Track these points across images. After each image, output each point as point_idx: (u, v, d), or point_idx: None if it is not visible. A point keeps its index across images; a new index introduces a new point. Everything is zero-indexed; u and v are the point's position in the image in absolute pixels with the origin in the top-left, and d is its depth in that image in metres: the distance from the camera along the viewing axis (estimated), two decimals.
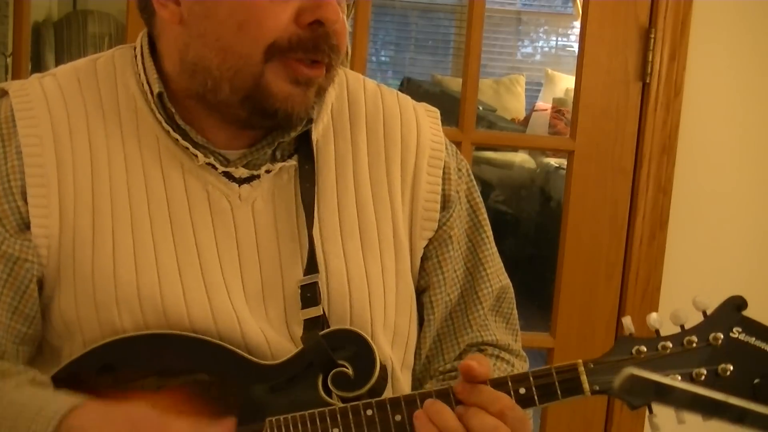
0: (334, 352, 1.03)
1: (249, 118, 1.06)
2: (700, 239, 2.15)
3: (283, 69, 1.03)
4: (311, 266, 1.08)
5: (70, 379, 1.06)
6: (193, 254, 1.07)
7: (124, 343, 1.05)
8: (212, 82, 1.04)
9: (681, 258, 2.15)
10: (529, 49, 7.08)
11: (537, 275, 3.20)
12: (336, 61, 1.06)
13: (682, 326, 0.99)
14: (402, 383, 1.15)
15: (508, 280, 1.25)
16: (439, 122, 1.21)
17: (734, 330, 0.98)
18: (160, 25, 1.09)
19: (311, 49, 1.03)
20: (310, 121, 1.11)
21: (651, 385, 0.96)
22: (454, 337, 1.20)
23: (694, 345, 0.98)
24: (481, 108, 5.35)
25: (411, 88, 5.53)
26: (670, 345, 0.98)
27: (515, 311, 1.25)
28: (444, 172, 1.18)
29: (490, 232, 1.23)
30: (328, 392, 1.03)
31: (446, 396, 0.99)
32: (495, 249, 1.23)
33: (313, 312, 1.06)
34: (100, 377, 1.05)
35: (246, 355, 1.05)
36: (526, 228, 4.77)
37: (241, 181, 1.10)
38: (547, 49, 7.04)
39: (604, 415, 2.16)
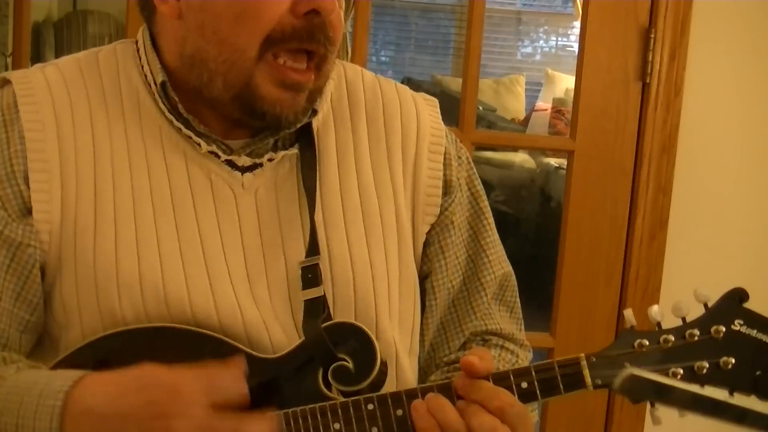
0: (335, 346, 1.03)
1: (241, 117, 1.08)
2: (700, 239, 2.15)
3: (271, 72, 1.04)
4: (313, 248, 1.08)
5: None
6: (195, 242, 1.08)
7: (122, 336, 1.05)
8: (208, 75, 1.05)
9: (681, 258, 2.15)
10: (529, 49, 7.09)
11: (537, 275, 3.20)
12: (330, 53, 1.07)
13: (683, 319, 0.99)
14: (407, 370, 1.15)
15: (510, 268, 1.25)
16: (438, 111, 1.22)
17: (736, 322, 0.98)
18: (160, 21, 1.11)
19: (306, 38, 1.03)
20: (315, 112, 1.12)
21: (651, 385, 0.96)
22: (458, 324, 1.20)
23: (696, 338, 0.98)
24: (481, 108, 5.35)
25: (411, 88, 5.47)
26: (672, 338, 0.98)
27: (518, 300, 1.26)
28: (445, 159, 1.18)
29: (491, 219, 1.24)
30: (328, 386, 1.03)
31: (448, 390, 0.99)
32: (497, 236, 1.24)
33: (314, 293, 1.06)
34: (98, 371, 1.05)
35: (246, 348, 1.05)
36: (526, 228, 4.77)
37: (243, 170, 1.10)
38: (547, 49, 7.05)
39: (604, 413, 2.16)
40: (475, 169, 1.25)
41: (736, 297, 0.99)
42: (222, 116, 1.10)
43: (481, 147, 4.50)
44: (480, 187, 1.24)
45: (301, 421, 0.99)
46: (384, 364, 1.04)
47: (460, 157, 1.22)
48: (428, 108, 1.21)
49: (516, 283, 1.25)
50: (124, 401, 0.92)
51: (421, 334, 1.19)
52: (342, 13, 1.08)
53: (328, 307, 1.07)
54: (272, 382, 1.03)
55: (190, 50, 1.06)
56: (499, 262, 1.23)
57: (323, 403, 1.00)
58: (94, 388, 0.95)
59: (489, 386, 0.97)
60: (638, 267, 2.14)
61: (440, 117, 1.21)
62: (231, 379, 0.95)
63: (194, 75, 1.07)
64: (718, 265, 2.16)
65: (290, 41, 1.03)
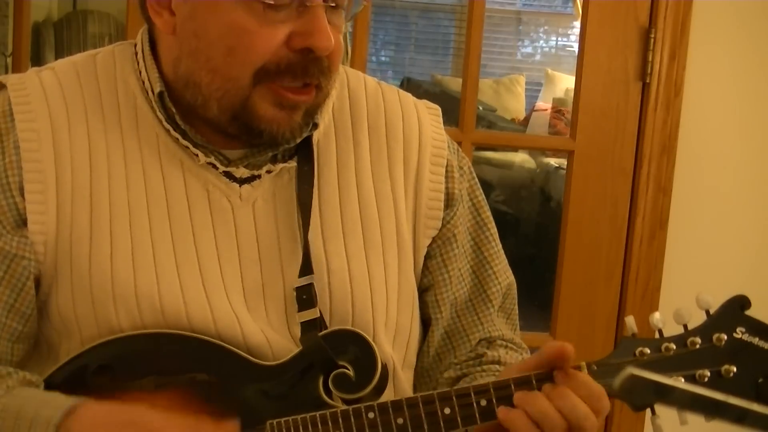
0: (335, 354, 1.03)
1: (239, 134, 1.07)
2: (700, 239, 2.15)
3: (269, 93, 1.03)
4: (306, 268, 1.07)
5: (68, 378, 1.06)
6: (191, 253, 1.07)
7: (123, 342, 1.05)
8: (202, 98, 1.05)
9: (681, 258, 2.15)
10: (529, 49, 7.08)
11: (537, 275, 3.20)
12: (327, 82, 1.06)
13: (685, 326, 0.98)
14: (403, 383, 1.15)
15: (513, 277, 1.25)
16: (441, 119, 1.21)
17: (737, 330, 0.97)
18: (159, 35, 1.10)
19: (300, 73, 1.03)
20: (315, 126, 1.11)
21: (651, 385, 0.96)
22: (464, 335, 1.20)
23: (697, 346, 0.97)
24: (481, 108, 5.35)
25: (411, 88, 5.48)
26: (673, 346, 0.98)
27: (516, 307, 1.26)
28: (447, 170, 1.18)
29: (494, 230, 1.23)
30: (329, 393, 1.03)
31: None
32: (500, 246, 1.23)
33: (309, 314, 1.06)
34: (98, 377, 1.05)
35: (246, 355, 1.05)
36: (526, 228, 4.76)
37: (241, 181, 1.10)
38: (547, 49, 7.04)
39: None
40: (476, 179, 1.24)
41: (738, 304, 0.98)
42: (219, 129, 1.09)
43: (481, 147, 4.50)
44: (482, 198, 1.23)
45: (301, 429, 0.99)
46: (385, 369, 1.04)
47: (461, 168, 1.21)
48: (430, 117, 1.20)
49: (516, 292, 1.25)
50: None
51: (426, 345, 1.19)
52: (341, 36, 1.06)
53: (326, 327, 1.07)
54: (272, 390, 1.03)
55: (184, 71, 1.05)
56: (504, 273, 1.22)
57: (323, 411, 0.99)
58: (84, 420, 0.96)
59: (587, 377, 0.97)
60: (638, 267, 2.14)
61: (442, 126, 1.20)
62: None
63: (189, 95, 1.06)
64: (718, 265, 2.16)
65: (284, 75, 1.02)
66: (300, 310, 1.06)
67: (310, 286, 1.06)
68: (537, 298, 2.94)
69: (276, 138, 1.05)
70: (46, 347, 1.11)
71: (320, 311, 1.06)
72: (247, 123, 1.04)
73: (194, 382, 1.04)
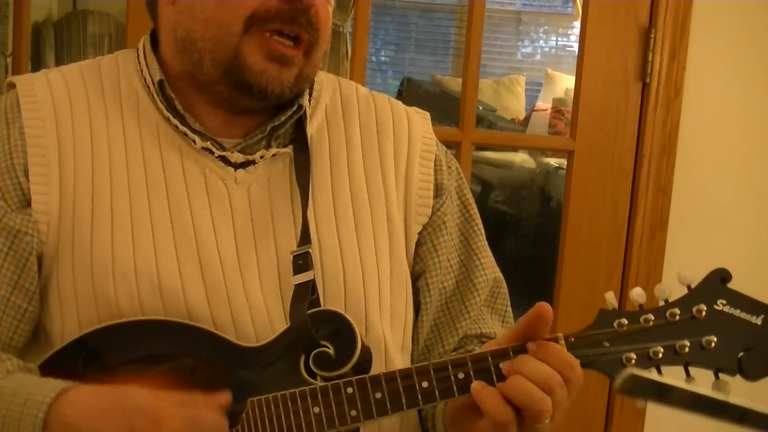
0: (317, 333, 1.04)
1: (230, 95, 1.11)
2: (700, 239, 2.15)
3: (258, 43, 1.08)
4: (305, 239, 1.11)
5: (57, 366, 1.07)
6: (189, 232, 1.11)
7: (109, 330, 1.07)
8: (197, 55, 1.10)
9: (681, 258, 2.15)
10: (529, 49, 7.08)
11: (537, 275, 3.20)
12: (315, 42, 1.11)
13: (666, 300, 0.98)
14: (398, 365, 1.15)
15: (500, 274, 1.27)
16: (430, 122, 1.26)
17: (718, 302, 0.97)
18: (160, 13, 1.16)
19: (288, 20, 1.08)
20: (300, 108, 1.15)
21: (651, 385, 0.96)
22: (452, 324, 1.22)
23: (677, 317, 0.97)
24: (481, 108, 5.35)
25: (411, 88, 5.52)
26: (653, 318, 0.98)
27: (510, 308, 1.28)
28: (435, 164, 1.22)
29: (481, 227, 1.27)
30: (311, 373, 1.04)
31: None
32: (486, 243, 1.27)
33: (304, 277, 1.08)
34: (86, 365, 1.07)
35: (230, 338, 1.07)
36: (526, 228, 4.77)
37: (237, 166, 1.14)
38: (547, 49, 7.04)
39: (603, 415, 2.16)
40: (464, 179, 1.29)
41: (719, 277, 0.98)
42: (216, 106, 1.14)
43: (481, 147, 4.50)
44: (469, 196, 1.28)
45: (281, 406, 1.01)
46: (366, 350, 1.05)
47: (450, 167, 1.25)
48: (420, 119, 1.25)
49: (507, 291, 1.28)
50: (105, 422, 0.95)
51: (416, 332, 1.21)
52: (329, 7, 1.13)
53: (317, 290, 1.09)
54: (256, 371, 1.05)
55: (181, 33, 1.11)
56: (490, 267, 1.25)
57: (303, 388, 1.01)
58: (76, 403, 0.97)
59: (558, 347, 0.98)
60: (638, 267, 2.14)
61: (432, 129, 1.25)
62: (213, 418, 0.97)
63: (186, 58, 1.11)
64: (717, 264, 2.15)
65: (273, 21, 1.08)
66: (295, 273, 1.09)
67: (307, 254, 1.10)
68: (537, 298, 2.94)
69: (265, 91, 1.09)
70: (43, 335, 1.13)
71: (314, 275, 1.09)
72: (238, 76, 1.09)
73: (180, 366, 1.06)
